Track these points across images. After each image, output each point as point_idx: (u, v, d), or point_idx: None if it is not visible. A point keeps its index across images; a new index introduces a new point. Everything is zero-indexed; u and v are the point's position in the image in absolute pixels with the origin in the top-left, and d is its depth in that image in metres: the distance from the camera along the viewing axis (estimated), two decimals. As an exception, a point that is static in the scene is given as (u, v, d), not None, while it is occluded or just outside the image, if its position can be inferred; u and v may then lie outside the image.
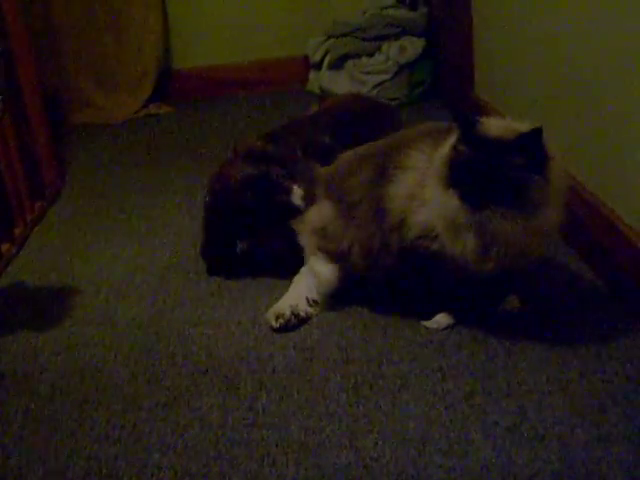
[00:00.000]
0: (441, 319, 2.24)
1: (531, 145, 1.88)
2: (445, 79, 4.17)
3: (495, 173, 1.88)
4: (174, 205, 3.27)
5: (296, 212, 2.43)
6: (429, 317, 2.25)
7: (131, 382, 2.14)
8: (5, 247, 2.92)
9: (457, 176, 1.93)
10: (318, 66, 4.46)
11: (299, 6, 4.62)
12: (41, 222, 3.23)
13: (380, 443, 1.82)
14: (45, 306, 2.59)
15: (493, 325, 2.21)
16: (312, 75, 4.52)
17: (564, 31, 2.53)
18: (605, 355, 2.04)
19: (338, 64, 4.37)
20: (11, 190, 3.07)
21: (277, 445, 1.85)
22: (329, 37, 4.43)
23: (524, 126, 1.94)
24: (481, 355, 2.10)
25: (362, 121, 2.89)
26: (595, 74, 2.34)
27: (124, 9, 4.50)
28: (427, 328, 2.23)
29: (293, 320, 2.31)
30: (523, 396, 1.93)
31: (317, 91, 4.44)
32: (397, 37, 4.31)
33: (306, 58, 4.54)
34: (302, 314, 2.33)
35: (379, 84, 4.22)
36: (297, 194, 2.44)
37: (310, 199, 2.41)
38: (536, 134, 1.88)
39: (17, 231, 3.05)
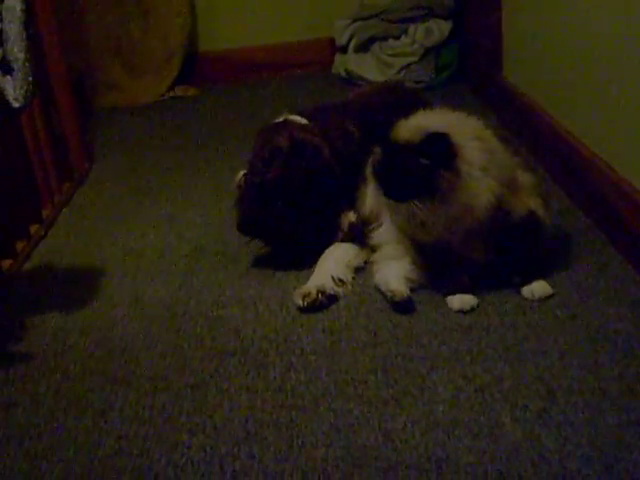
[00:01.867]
0: (464, 299, 2.24)
1: (434, 146, 2.09)
2: (472, 62, 4.15)
3: (402, 172, 2.13)
4: (201, 187, 3.28)
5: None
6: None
7: (160, 363, 2.15)
8: (34, 228, 2.94)
9: (375, 176, 2.22)
10: (344, 49, 4.44)
11: (326, -12, 4.61)
12: (69, 203, 3.25)
13: (409, 425, 1.82)
14: (74, 286, 2.61)
15: (523, 309, 2.20)
16: (338, 58, 4.51)
17: (596, 13, 2.51)
18: (636, 340, 2.03)
19: (364, 47, 4.36)
20: (39, 172, 3.09)
21: (306, 426, 1.86)
22: (355, 20, 4.41)
23: (434, 125, 2.15)
24: (510, 339, 2.09)
25: (391, 112, 2.88)
26: (627, 57, 2.32)
27: (150, -9, 4.50)
28: (453, 309, 2.24)
29: (320, 299, 2.31)
30: (553, 380, 1.92)
31: (343, 74, 4.43)
32: (424, 19, 4.29)
33: (332, 41, 4.53)
34: (329, 292, 2.33)
35: (405, 67, 4.21)
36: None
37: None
38: (438, 137, 2.09)
39: (45, 212, 3.07)
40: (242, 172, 2.93)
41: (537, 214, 2.26)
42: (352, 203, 2.49)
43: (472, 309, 2.23)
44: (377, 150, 2.21)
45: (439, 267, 2.30)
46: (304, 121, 2.63)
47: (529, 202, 2.25)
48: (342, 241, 2.48)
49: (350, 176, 2.50)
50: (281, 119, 2.66)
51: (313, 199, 2.46)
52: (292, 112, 2.73)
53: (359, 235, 2.47)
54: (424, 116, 2.25)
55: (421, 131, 2.14)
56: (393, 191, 2.17)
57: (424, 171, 2.10)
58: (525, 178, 2.28)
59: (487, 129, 2.24)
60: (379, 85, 3.67)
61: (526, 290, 2.27)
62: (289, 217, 2.47)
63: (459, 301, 2.24)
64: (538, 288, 2.27)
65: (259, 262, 2.59)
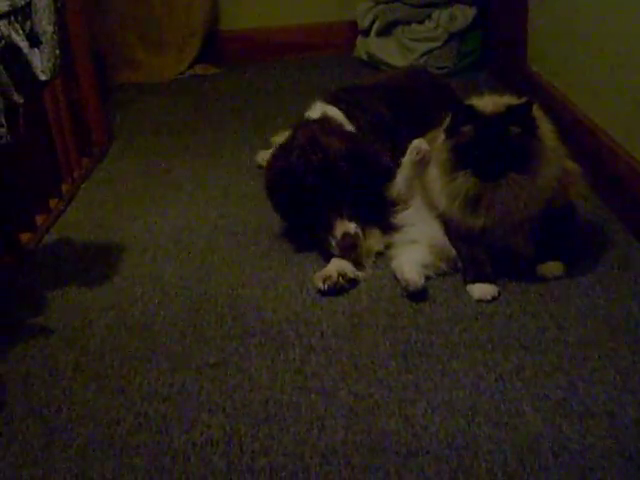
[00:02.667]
0: (485, 289, 2.24)
1: (522, 115, 2.13)
2: (496, 50, 4.12)
3: (500, 144, 2.11)
4: (221, 166, 3.27)
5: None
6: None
7: (180, 341, 2.16)
8: (53, 202, 2.94)
9: (464, 156, 2.15)
10: (366, 32, 4.41)
11: (349, -30, 4.57)
12: (88, 179, 3.24)
13: (429, 411, 1.82)
14: (93, 262, 2.61)
15: (544, 298, 2.19)
16: (360, 41, 4.48)
17: (621, 3, 2.49)
18: (657, 331, 2.03)
19: (387, 30, 4.33)
20: (60, 146, 3.08)
21: (326, 409, 1.86)
22: (378, 3, 4.37)
23: (512, 100, 2.19)
24: (531, 328, 2.08)
25: (419, 96, 2.88)
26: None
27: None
28: (473, 298, 2.23)
29: (341, 282, 2.30)
30: (573, 370, 1.92)
31: (364, 57, 4.41)
32: (448, 5, 4.25)
33: (355, 23, 4.49)
34: (350, 275, 2.32)
35: (428, 52, 4.18)
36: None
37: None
38: (526, 105, 2.14)
39: (64, 187, 3.07)
40: (261, 151, 2.93)
41: (575, 206, 2.27)
42: (357, 215, 2.41)
43: (493, 299, 2.22)
44: (467, 129, 2.15)
45: (468, 254, 2.29)
46: (338, 114, 2.61)
47: (571, 192, 2.26)
48: (337, 253, 2.38)
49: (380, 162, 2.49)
50: (317, 112, 2.63)
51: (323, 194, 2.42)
52: (324, 100, 2.72)
53: (350, 249, 2.36)
54: (491, 98, 2.23)
55: (503, 103, 2.16)
56: (491, 167, 2.11)
57: (518, 139, 2.10)
58: (571, 166, 2.29)
59: (544, 114, 2.25)
60: (406, 69, 3.67)
61: (542, 268, 2.28)
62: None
63: (480, 290, 2.24)
64: (552, 267, 2.28)
65: (279, 243, 2.58)
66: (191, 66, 4.57)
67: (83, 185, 3.19)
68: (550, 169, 2.16)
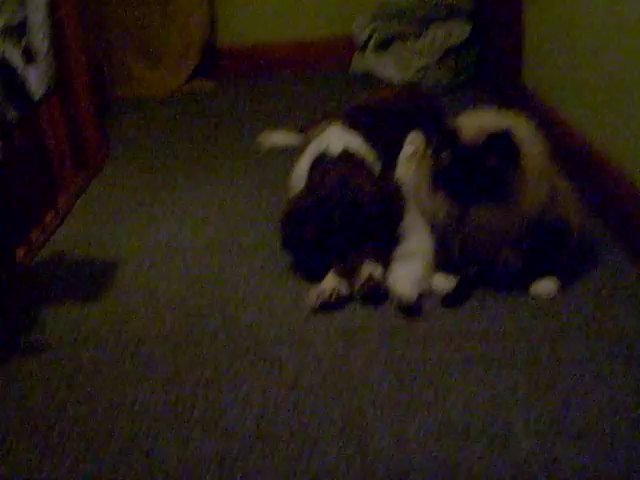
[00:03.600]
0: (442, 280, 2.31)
1: (501, 145, 2.11)
2: (491, 65, 4.13)
3: (474, 174, 2.13)
4: (217, 181, 3.27)
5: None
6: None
7: (173, 358, 2.15)
8: (49, 217, 2.94)
9: (441, 179, 2.19)
10: (364, 47, 4.43)
11: (346, -15, 4.59)
12: (84, 193, 3.24)
13: (422, 431, 1.82)
14: (88, 277, 2.61)
15: (538, 315, 2.20)
16: (357, 56, 4.49)
17: (618, 19, 2.49)
18: (651, 351, 2.03)
19: (384, 46, 4.35)
20: (56, 160, 3.09)
21: (319, 428, 1.85)
22: (375, 18, 4.39)
23: (500, 121, 2.21)
24: (524, 346, 2.08)
25: (419, 116, 2.92)
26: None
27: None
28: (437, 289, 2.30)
29: (334, 297, 2.30)
30: (567, 389, 1.91)
31: (361, 72, 4.42)
32: (444, 20, 4.27)
33: (351, 39, 4.51)
34: (343, 292, 2.32)
35: (424, 68, 4.19)
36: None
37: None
38: (504, 135, 2.11)
39: (61, 201, 3.07)
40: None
41: (568, 222, 2.27)
42: (382, 257, 2.37)
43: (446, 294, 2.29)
44: (445, 155, 2.18)
45: (439, 243, 2.34)
46: (359, 147, 2.60)
47: (563, 209, 2.26)
48: (359, 295, 2.34)
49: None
50: (338, 146, 2.58)
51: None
52: (341, 124, 2.71)
53: (375, 293, 2.32)
54: (480, 115, 2.26)
55: (483, 131, 2.15)
56: (464, 194, 2.16)
57: (494, 170, 2.12)
58: (562, 185, 2.29)
59: (538, 131, 2.27)
60: (405, 88, 3.71)
61: (534, 287, 2.30)
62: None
63: (437, 280, 2.31)
64: (546, 285, 2.29)
65: (273, 260, 2.57)
66: (188, 81, 4.58)
67: (79, 199, 3.18)
68: (530, 196, 2.16)
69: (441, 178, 2.20)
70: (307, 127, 3.25)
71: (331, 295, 2.30)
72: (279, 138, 3.53)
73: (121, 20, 4.53)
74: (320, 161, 2.56)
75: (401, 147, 2.69)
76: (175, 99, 4.43)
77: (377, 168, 2.58)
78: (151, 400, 1.99)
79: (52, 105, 3.06)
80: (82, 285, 2.55)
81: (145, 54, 4.60)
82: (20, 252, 2.68)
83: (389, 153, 2.68)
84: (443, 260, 2.32)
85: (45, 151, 3.02)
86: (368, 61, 4.37)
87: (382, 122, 2.79)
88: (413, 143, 2.47)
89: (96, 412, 1.97)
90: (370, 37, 4.38)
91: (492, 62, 4.11)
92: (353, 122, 2.73)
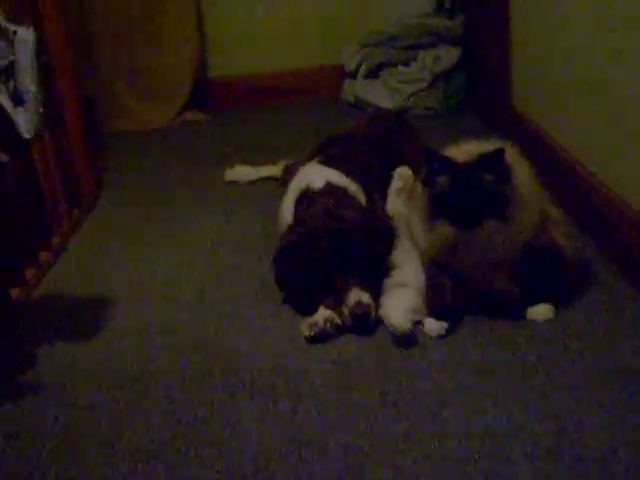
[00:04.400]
0: (433, 325, 2.28)
1: (495, 162, 2.13)
2: (481, 89, 4.15)
3: (474, 191, 2.13)
4: (210, 213, 3.27)
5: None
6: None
7: (168, 395, 2.15)
8: (43, 256, 2.94)
9: (440, 205, 2.17)
10: (354, 75, 4.44)
11: (335, 15, 4.61)
12: (78, 230, 3.24)
13: (419, 461, 1.81)
14: (83, 316, 2.60)
15: (533, 342, 2.19)
16: (347, 84, 4.50)
17: (605, 41, 2.51)
18: (648, 375, 2.03)
19: (373, 73, 4.36)
20: (48, 198, 3.09)
21: (316, 462, 1.85)
22: (364, 46, 4.41)
23: (485, 147, 2.20)
24: (520, 373, 2.08)
25: (393, 141, 2.95)
26: (633, 89, 2.32)
27: (160, 18, 4.50)
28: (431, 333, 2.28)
29: (328, 329, 2.30)
30: (564, 416, 1.91)
31: (352, 100, 4.43)
32: (433, 46, 4.29)
33: (341, 67, 4.53)
34: (337, 322, 2.32)
35: (414, 93, 4.21)
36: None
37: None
38: (498, 153, 2.13)
39: (54, 240, 3.07)
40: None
41: (560, 246, 2.27)
42: (370, 285, 2.37)
43: (440, 336, 2.27)
44: (442, 179, 2.17)
45: (433, 282, 2.31)
46: (340, 179, 2.61)
47: (554, 234, 2.27)
48: (349, 323, 2.33)
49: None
50: (320, 180, 2.60)
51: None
52: (319, 160, 2.75)
53: (362, 317, 2.31)
54: (467, 145, 2.26)
55: (476, 152, 2.18)
56: (467, 216, 2.14)
57: (492, 186, 2.12)
58: (553, 212, 2.30)
59: (524, 156, 2.28)
60: (371, 116, 3.76)
61: (531, 312, 2.30)
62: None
63: (428, 325, 2.29)
64: (542, 311, 2.29)
65: (268, 291, 2.57)
66: (180, 113, 4.59)
67: (73, 237, 3.18)
68: (526, 215, 2.17)
69: (440, 204, 2.17)
70: (288, 167, 3.28)
71: (325, 324, 2.30)
72: (242, 173, 3.57)
73: (112, 54, 4.53)
74: (304, 197, 2.58)
75: (381, 175, 2.69)
76: (167, 132, 4.43)
77: (362, 199, 2.59)
78: (147, 439, 1.98)
79: (45, 144, 3.06)
80: (77, 324, 2.55)
81: (137, 88, 4.60)
82: (15, 292, 2.68)
83: (372, 183, 2.68)
84: (435, 304, 2.30)
85: (38, 190, 3.02)
86: (359, 88, 4.38)
87: (357, 152, 2.80)
88: (402, 178, 2.47)
89: (91, 453, 1.96)
90: (360, 65, 4.40)
91: (482, 86, 4.12)
92: (329, 157, 2.75)
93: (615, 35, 2.43)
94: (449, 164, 2.17)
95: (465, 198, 2.13)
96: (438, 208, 2.18)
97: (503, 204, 2.13)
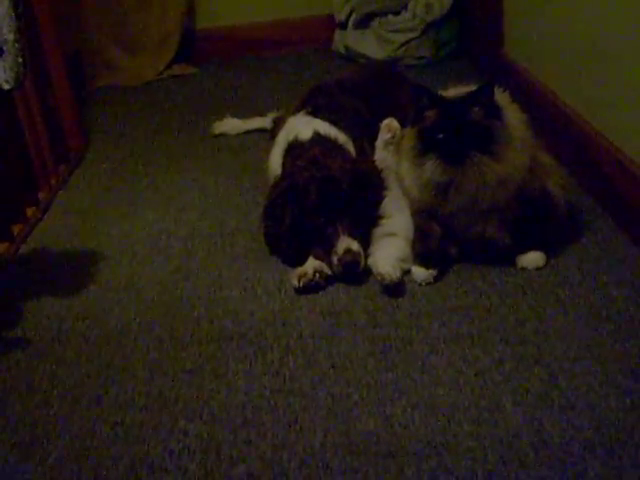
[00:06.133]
0: (421, 272, 2.27)
1: (484, 97, 2.12)
2: (473, 38, 4.09)
3: (463, 125, 2.09)
4: (199, 167, 3.24)
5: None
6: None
7: (156, 348, 2.13)
8: (30, 211, 2.91)
9: (428, 140, 2.13)
10: (344, 25, 4.38)
11: (324, -36, 4.54)
12: (65, 186, 3.21)
13: (409, 410, 1.80)
14: (70, 271, 2.58)
15: (524, 289, 2.17)
16: (338, 34, 4.44)
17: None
18: (637, 319, 2.01)
19: (364, 23, 4.30)
20: (35, 153, 3.05)
21: (304, 412, 1.83)
22: (355, -5, 4.35)
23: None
24: (511, 320, 2.06)
25: (384, 87, 2.91)
26: (629, 30, 2.27)
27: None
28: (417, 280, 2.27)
29: (317, 279, 2.28)
30: (554, 362, 1.90)
31: (343, 51, 4.38)
32: (424, -5, 4.22)
33: (331, 17, 4.46)
34: (326, 272, 2.30)
35: (405, 43, 4.15)
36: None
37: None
38: (487, 87, 2.12)
39: (41, 195, 3.04)
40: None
41: (552, 194, 2.24)
42: (359, 234, 2.34)
43: (427, 284, 2.26)
44: (430, 113, 2.14)
45: (420, 229, 2.29)
46: (328, 128, 2.59)
47: (546, 182, 2.24)
48: (338, 271, 2.31)
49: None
50: (308, 131, 2.57)
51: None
52: (306, 111, 2.71)
53: (351, 265, 2.28)
54: (459, 88, 2.23)
55: (466, 90, 2.17)
56: (455, 148, 2.09)
57: (481, 119, 2.09)
58: (545, 159, 2.27)
59: (516, 103, 2.25)
60: (366, 64, 3.71)
61: (521, 259, 2.27)
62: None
63: (416, 273, 2.27)
64: (533, 258, 2.27)
65: (257, 244, 2.54)
66: (169, 67, 4.53)
67: (60, 192, 3.15)
68: (516, 155, 2.13)
69: (428, 138, 2.14)
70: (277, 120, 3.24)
71: (314, 274, 2.28)
72: (230, 126, 3.54)
73: (98, 8, 4.47)
74: (292, 148, 2.55)
75: (370, 124, 2.66)
76: (156, 86, 4.38)
77: (351, 149, 2.56)
78: (134, 391, 1.97)
79: (29, 98, 3.02)
80: (64, 278, 2.52)
81: (124, 42, 4.54)
82: (2, 247, 2.65)
83: (362, 133, 2.65)
84: (422, 251, 2.28)
85: (24, 145, 2.98)
86: (349, 39, 4.32)
87: (346, 101, 2.77)
88: (389, 130, 2.43)
89: (79, 406, 1.94)
90: (350, 15, 4.33)
91: (473, 34, 4.07)
92: (316, 107, 2.71)
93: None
94: (437, 98, 2.15)
95: (453, 130, 2.09)
96: (427, 143, 2.14)
97: (491, 138, 2.10)
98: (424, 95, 2.16)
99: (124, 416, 1.89)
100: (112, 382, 2.01)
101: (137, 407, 1.92)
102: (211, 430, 1.81)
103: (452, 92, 2.21)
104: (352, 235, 2.29)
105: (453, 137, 2.09)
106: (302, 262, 2.34)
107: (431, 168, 2.13)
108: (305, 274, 2.28)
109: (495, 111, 2.12)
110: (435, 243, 2.26)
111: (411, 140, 2.20)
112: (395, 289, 2.21)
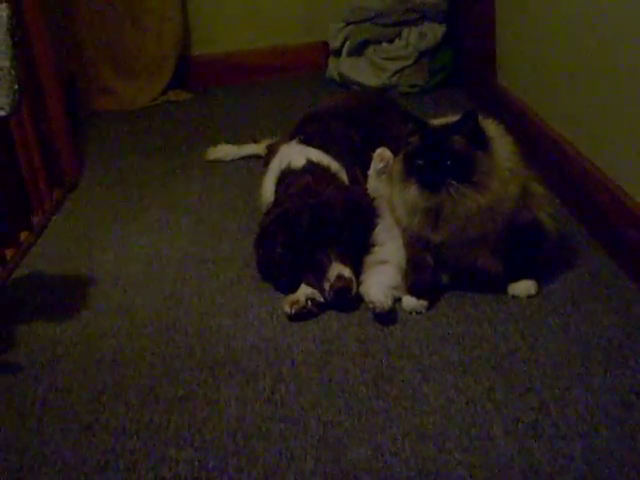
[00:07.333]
0: (412, 303, 2.27)
1: (468, 126, 2.11)
2: (466, 66, 4.12)
3: (442, 152, 2.09)
4: (193, 193, 3.25)
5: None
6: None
7: (148, 374, 2.13)
8: (24, 235, 2.92)
9: (411, 165, 2.14)
10: (338, 52, 4.41)
11: (319, -9, 4.58)
12: (60, 210, 3.21)
13: (399, 438, 1.80)
14: (63, 296, 2.58)
15: (515, 318, 2.18)
16: (332, 61, 4.47)
17: (590, 17, 2.49)
18: (628, 348, 2.01)
19: (358, 50, 4.32)
20: (29, 178, 3.06)
21: (295, 439, 1.84)
22: (349, 23, 4.37)
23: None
24: (502, 349, 2.07)
25: (375, 115, 2.93)
26: (620, 61, 2.30)
27: (143, -4, 4.47)
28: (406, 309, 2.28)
29: (309, 306, 2.28)
30: (544, 391, 1.90)
31: (337, 78, 4.40)
32: (417, 23, 4.25)
33: (326, 44, 4.50)
34: (318, 299, 2.31)
35: (399, 70, 4.18)
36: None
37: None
38: (470, 116, 2.12)
39: (35, 219, 3.05)
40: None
41: (543, 223, 2.26)
42: (351, 262, 2.34)
43: (418, 313, 2.26)
44: (414, 139, 2.15)
45: (413, 261, 2.30)
46: (320, 156, 2.61)
47: (538, 212, 2.25)
48: (330, 297, 2.31)
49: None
50: (301, 159, 2.59)
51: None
52: (302, 138, 2.73)
53: (343, 292, 2.28)
54: (449, 118, 2.24)
55: (453, 119, 2.17)
56: (432, 175, 2.09)
57: (460, 148, 2.09)
58: (537, 189, 2.28)
59: (507, 132, 2.25)
60: (355, 92, 3.73)
61: (513, 287, 2.28)
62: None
63: (407, 302, 2.27)
64: (525, 287, 2.28)
65: (249, 270, 2.55)
66: (164, 92, 4.55)
67: (54, 217, 3.16)
68: (501, 185, 2.12)
69: (410, 163, 2.14)
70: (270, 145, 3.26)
71: (306, 302, 2.28)
72: (224, 152, 3.56)
73: (94, 33, 4.48)
74: (285, 176, 2.56)
75: (363, 152, 2.67)
76: (151, 111, 4.40)
77: (344, 177, 2.58)
78: (126, 418, 1.97)
79: (24, 123, 3.03)
80: (58, 303, 2.53)
81: (120, 67, 4.56)
82: (-5, 272, 2.66)
83: (354, 161, 2.67)
84: (415, 283, 2.29)
85: (18, 169, 2.99)
86: (343, 66, 4.35)
87: (339, 130, 2.78)
88: (382, 159, 2.44)
89: (71, 433, 1.94)
90: (345, 42, 4.36)
91: (467, 63, 4.10)
92: (309, 136, 2.73)
93: (599, 12, 2.41)
94: (422, 124, 2.17)
95: (430, 157, 2.09)
96: (409, 168, 2.15)
97: (472, 167, 2.09)
98: (410, 121, 2.18)
99: (115, 443, 1.89)
100: (104, 408, 2.01)
101: (128, 434, 1.91)
102: (202, 457, 1.81)
103: (445, 120, 2.22)
104: (344, 262, 2.30)
105: (431, 164, 2.10)
106: (294, 289, 2.35)
107: (414, 193, 2.13)
108: (297, 301, 2.28)
109: (479, 140, 2.12)
110: (428, 275, 2.27)
111: (398, 165, 2.22)
112: (387, 317, 2.22)
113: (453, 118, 2.21)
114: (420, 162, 2.11)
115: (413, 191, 2.13)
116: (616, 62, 2.32)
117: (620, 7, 2.27)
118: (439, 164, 2.08)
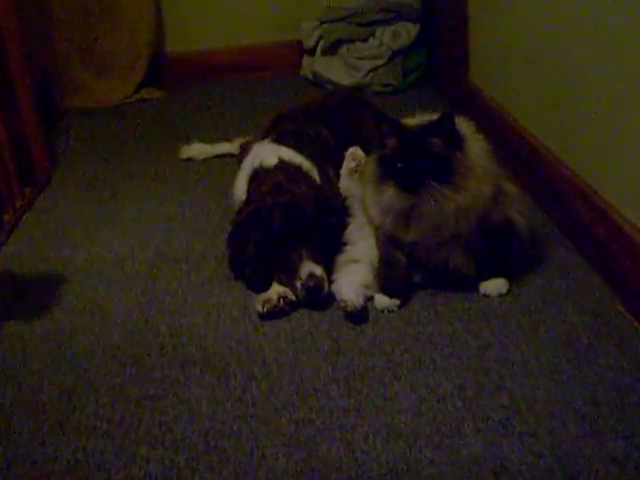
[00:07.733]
0: (385, 301, 2.28)
1: (445, 128, 2.11)
2: (439, 65, 4.14)
3: (421, 155, 2.10)
4: (165, 191, 3.24)
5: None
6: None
7: (119, 373, 2.12)
8: (-6, 234, 2.90)
9: (388, 167, 2.14)
10: (312, 51, 4.42)
11: (293, -10, 4.58)
12: (31, 208, 3.19)
13: (371, 436, 1.81)
14: (33, 294, 2.56)
15: (486, 316, 2.19)
16: (306, 60, 4.48)
17: (559, 18, 2.51)
18: (598, 347, 2.03)
19: (332, 49, 4.33)
20: (0, 176, 3.04)
21: (267, 438, 1.83)
22: (323, 22, 4.38)
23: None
24: (473, 346, 2.08)
25: (348, 114, 2.94)
26: (588, 62, 2.31)
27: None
28: (378, 307, 2.28)
29: (281, 305, 2.28)
30: (515, 389, 1.91)
31: (310, 77, 4.41)
32: (391, 22, 4.27)
33: (300, 43, 4.50)
34: (290, 298, 2.31)
35: (372, 70, 4.19)
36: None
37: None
38: (447, 118, 2.12)
39: (6, 217, 3.02)
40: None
41: (515, 222, 2.27)
42: (322, 260, 2.34)
43: (389, 311, 2.27)
44: (390, 141, 2.15)
45: (385, 260, 2.30)
46: (292, 155, 2.60)
47: (510, 211, 2.26)
48: (302, 295, 2.31)
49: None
50: (273, 158, 2.58)
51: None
52: (274, 136, 2.73)
53: (315, 290, 2.29)
54: (422, 117, 2.24)
55: (428, 119, 2.18)
56: (412, 177, 2.09)
57: (439, 150, 2.10)
58: (509, 188, 2.29)
59: (479, 132, 2.27)
60: (329, 91, 3.74)
61: (484, 286, 2.30)
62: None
63: (379, 301, 2.28)
64: (496, 285, 2.29)
65: (221, 269, 2.55)
66: (137, 90, 4.54)
67: (26, 215, 3.14)
68: (476, 184, 2.13)
69: (387, 166, 2.15)
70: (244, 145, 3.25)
71: (278, 300, 2.28)
72: (197, 150, 3.56)
73: (68, 30, 4.47)
74: (257, 175, 2.56)
75: (335, 152, 2.68)
76: (124, 109, 4.39)
77: (316, 176, 2.58)
78: (97, 417, 1.96)
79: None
80: (28, 301, 2.51)
81: (93, 64, 4.54)
82: (-36, 270, 2.64)
83: (326, 160, 2.67)
84: (387, 282, 2.29)
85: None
86: (317, 65, 4.36)
87: (312, 128, 2.79)
88: (354, 158, 2.45)
89: (41, 432, 1.93)
90: (318, 41, 4.37)
91: (440, 62, 4.12)
92: (281, 135, 2.73)
93: (571, 8, 2.43)
94: (398, 126, 2.17)
95: (410, 160, 2.10)
96: (386, 170, 2.15)
97: (449, 169, 2.10)
98: (385, 122, 2.18)
99: (86, 442, 1.88)
100: (74, 408, 2.00)
101: (99, 433, 1.90)
102: (173, 456, 1.81)
103: (416, 120, 2.22)
104: (316, 260, 2.31)
105: (411, 166, 2.10)
106: (266, 288, 2.35)
107: (390, 195, 2.14)
108: (269, 300, 2.28)
109: (455, 141, 2.13)
110: (400, 274, 2.28)
111: (372, 166, 2.22)
112: (358, 316, 2.22)
113: (425, 117, 2.22)
114: (400, 164, 2.11)
115: (391, 192, 2.14)
116: (584, 62, 2.34)
117: (584, 9, 2.29)
118: (419, 167, 2.09)
